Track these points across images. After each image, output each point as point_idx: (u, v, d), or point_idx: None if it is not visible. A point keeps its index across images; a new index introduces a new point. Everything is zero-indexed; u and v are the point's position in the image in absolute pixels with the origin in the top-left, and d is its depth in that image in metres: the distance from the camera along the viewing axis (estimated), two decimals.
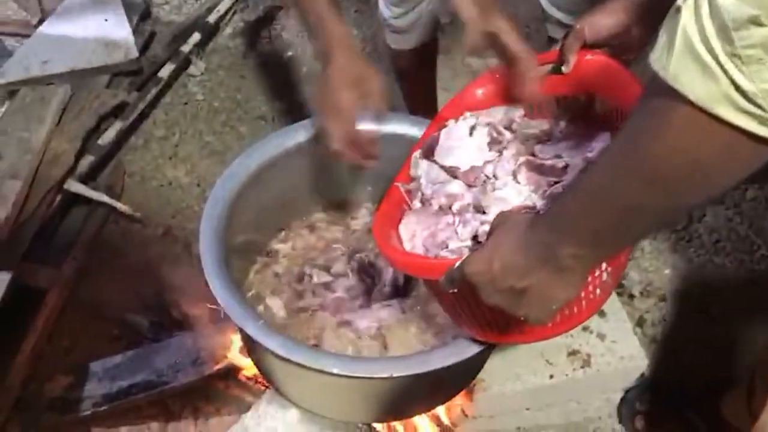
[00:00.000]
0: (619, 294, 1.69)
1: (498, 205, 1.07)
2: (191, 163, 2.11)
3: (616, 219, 0.68)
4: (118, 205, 1.90)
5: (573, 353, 1.42)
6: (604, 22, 1.01)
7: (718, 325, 1.73)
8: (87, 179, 1.93)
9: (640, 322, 1.74)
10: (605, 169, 0.68)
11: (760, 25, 0.49)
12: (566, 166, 1.08)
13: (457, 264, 0.86)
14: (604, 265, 0.93)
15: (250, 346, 1.33)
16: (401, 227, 1.16)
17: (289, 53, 2.46)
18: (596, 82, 1.05)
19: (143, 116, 2.19)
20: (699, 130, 0.55)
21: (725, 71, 0.52)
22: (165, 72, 2.24)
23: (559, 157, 1.09)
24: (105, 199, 1.89)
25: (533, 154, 1.12)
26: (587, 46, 1.04)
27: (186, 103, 2.28)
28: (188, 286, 1.80)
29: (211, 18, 2.46)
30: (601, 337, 1.45)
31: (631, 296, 1.80)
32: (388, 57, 1.93)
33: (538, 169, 1.10)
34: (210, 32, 2.46)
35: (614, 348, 1.44)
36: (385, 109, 1.22)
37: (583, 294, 0.92)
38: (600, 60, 1.04)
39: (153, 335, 1.66)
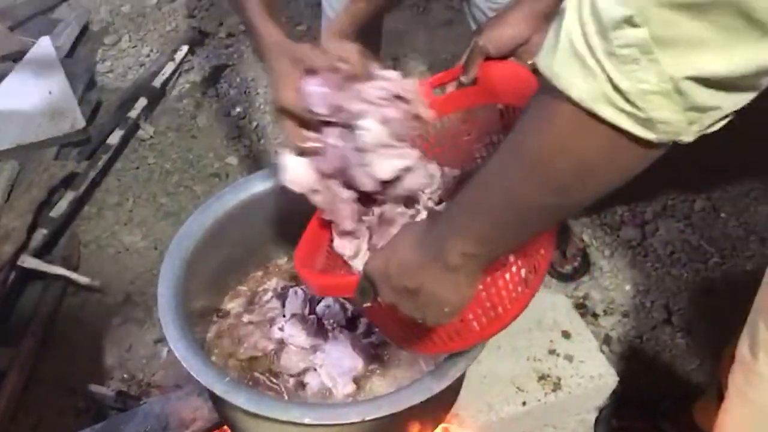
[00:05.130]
0: (582, 314, 1.71)
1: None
2: (147, 227, 2.09)
3: (506, 215, 0.67)
4: (75, 276, 1.87)
5: (543, 378, 1.43)
6: (506, 33, 1.05)
7: (682, 335, 1.76)
8: (42, 253, 1.90)
9: (606, 340, 1.76)
10: (496, 166, 0.67)
11: (635, 25, 0.50)
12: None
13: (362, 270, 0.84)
14: (518, 261, 0.90)
15: (219, 405, 1.31)
16: None
17: (238, 109, 2.48)
18: (506, 89, 1.07)
19: (95, 185, 2.17)
20: (582, 129, 0.55)
21: (604, 70, 0.52)
22: (114, 139, 2.23)
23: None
24: (60, 271, 1.86)
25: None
26: (494, 58, 1.07)
27: (138, 168, 2.27)
28: (152, 351, 1.78)
29: (157, 82, 2.47)
30: (569, 358, 1.47)
31: (595, 315, 1.83)
32: None
33: None
34: (157, 96, 2.47)
35: (583, 368, 1.45)
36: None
37: (504, 293, 0.91)
38: (508, 67, 1.06)
39: (120, 405, 1.62)
